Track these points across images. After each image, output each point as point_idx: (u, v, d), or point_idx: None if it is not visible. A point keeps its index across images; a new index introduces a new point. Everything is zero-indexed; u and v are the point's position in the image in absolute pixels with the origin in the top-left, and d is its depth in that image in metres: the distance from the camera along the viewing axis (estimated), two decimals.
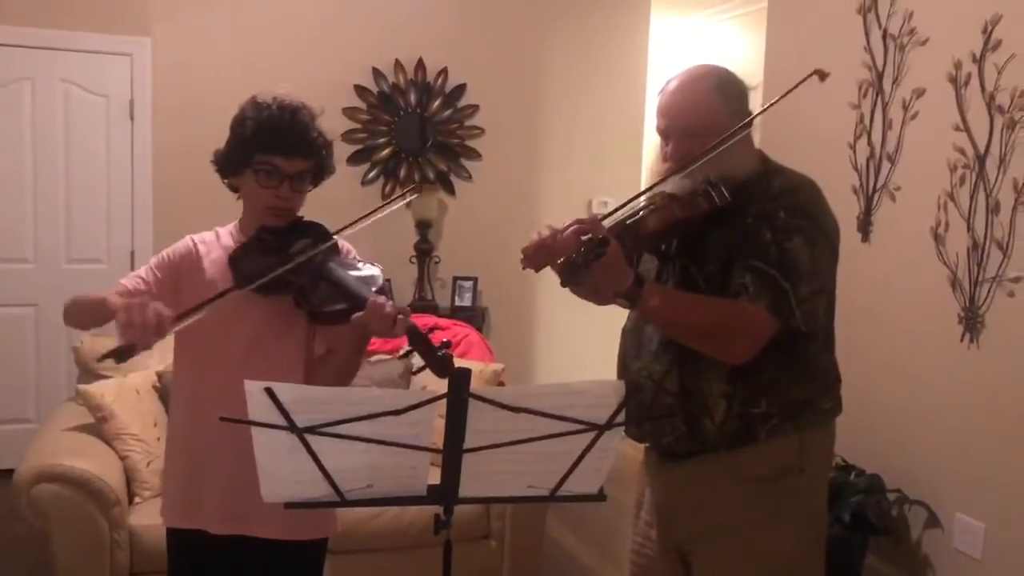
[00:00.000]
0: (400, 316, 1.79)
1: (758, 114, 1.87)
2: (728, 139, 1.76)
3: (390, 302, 1.81)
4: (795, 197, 1.80)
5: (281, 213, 1.96)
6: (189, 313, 1.77)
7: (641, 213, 1.83)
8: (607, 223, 1.81)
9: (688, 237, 1.83)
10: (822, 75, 1.85)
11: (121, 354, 1.70)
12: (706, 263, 1.82)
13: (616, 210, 1.91)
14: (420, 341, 1.79)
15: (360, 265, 1.99)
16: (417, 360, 1.81)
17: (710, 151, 1.75)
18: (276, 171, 1.90)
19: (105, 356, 1.72)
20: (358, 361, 2.02)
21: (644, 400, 1.87)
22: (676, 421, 1.84)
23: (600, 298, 1.79)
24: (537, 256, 1.79)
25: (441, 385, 1.41)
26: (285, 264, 1.85)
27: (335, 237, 1.97)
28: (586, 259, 1.60)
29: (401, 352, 1.89)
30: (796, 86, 1.88)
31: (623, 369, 1.96)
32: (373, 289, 1.88)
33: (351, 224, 1.97)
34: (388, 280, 4.84)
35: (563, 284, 1.65)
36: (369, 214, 1.98)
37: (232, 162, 1.95)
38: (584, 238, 1.63)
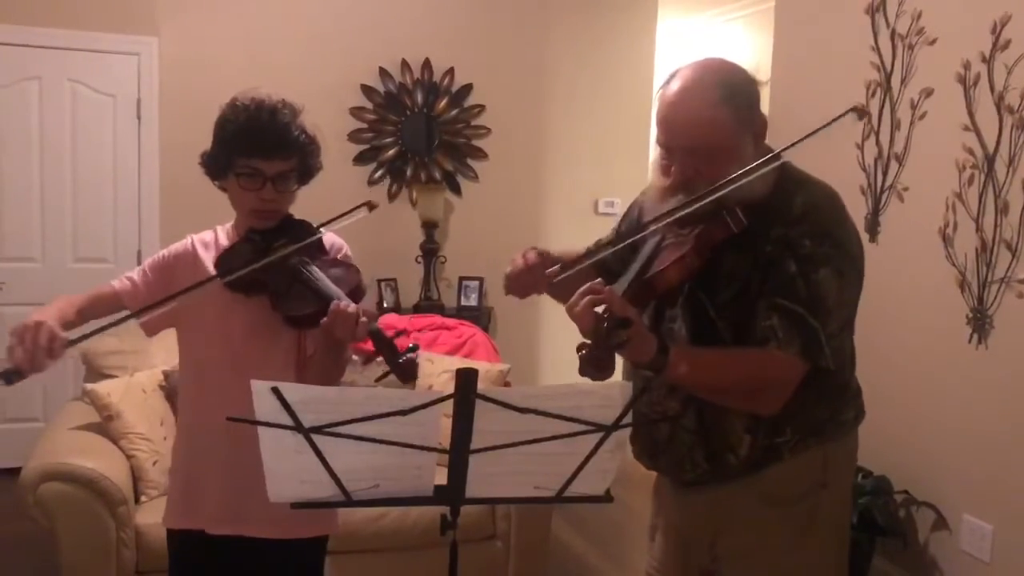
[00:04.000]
0: (362, 320, 1.74)
1: (785, 148, 1.69)
2: (747, 174, 1.61)
3: (353, 305, 1.77)
4: (819, 218, 1.65)
5: (266, 215, 1.93)
6: (137, 314, 1.80)
7: (655, 266, 1.67)
8: (596, 256, 1.70)
9: None
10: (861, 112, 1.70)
11: (7, 376, 1.64)
12: (718, 292, 1.68)
13: (611, 243, 1.80)
14: (384, 345, 1.74)
15: (341, 267, 1.94)
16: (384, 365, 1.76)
17: (724, 186, 1.60)
18: (257, 173, 1.87)
19: None
20: (337, 363, 1.96)
21: (659, 437, 1.79)
22: (697, 458, 1.75)
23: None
24: (521, 285, 1.76)
25: (448, 385, 1.40)
26: (258, 263, 1.83)
27: (320, 233, 1.93)
28: (609, 347, 1.46)
29: (366, 357, 1.84)
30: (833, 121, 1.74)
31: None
32: (345, 291, 1.84)
33: (330, 221, 1.91)
34: (394, 279, 4.87)
35: (581, 374, 1.49)
36: (347, 213, 1.91)
37: (216, 166, 1.93)
38: (604, 318, 1.48)
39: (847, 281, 1.66)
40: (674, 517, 1.91)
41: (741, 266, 1.67)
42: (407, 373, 1.74)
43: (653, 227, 1.70)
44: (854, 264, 1.69)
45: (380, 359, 1.77)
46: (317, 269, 1.89)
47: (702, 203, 1.61)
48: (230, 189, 1.94)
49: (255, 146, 1.86)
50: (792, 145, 1.68)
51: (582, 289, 1.56)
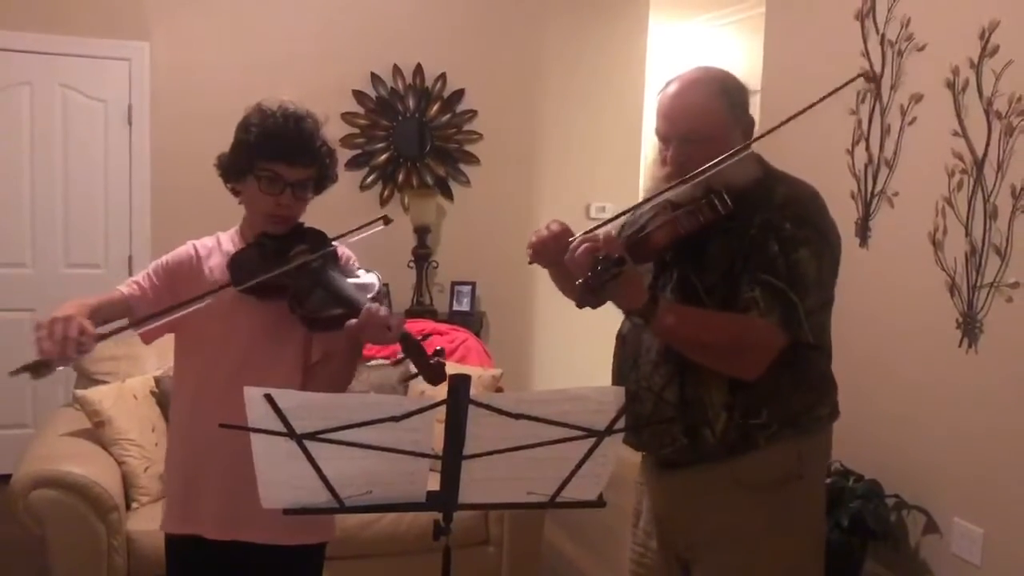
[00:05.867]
0: (394, 323, 1.79)
1: (766, 133, 1.82)
2: (735, 154, 1.75)
3: (384, 309, 1.81)
4: (800, 207, 1.79)
5: (282, 220, 1.96)
6: (157, 316, 1.80)
7: (648, 228, 1.82)
8: (612, 229, 1.82)
9: (688, 245, 1.81)
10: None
11: (36, 368, 1.65)
12: (707, 272, 1.80)
13: (616, 217, 1.92)
14: (414, 349, 1.79)
15: (359, 272, 1.99)
16: (411, 367, 1.81)
17: (714, 165, 1.73)
18: (278, 179, 1.91)
19: (19, 370, 1.68)
20: (352, 368, 2.01)
21: (643, 411, 1.85)
22: (676, 432, 1.83)
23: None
24: (546, 253, 1.84)
25: (440, 391, 1.41)
26: (282, 268, 1.86)
27: (334, 244, 1.97)
28: (602, 279, 1.58)
29: (395, 359, 1.89)
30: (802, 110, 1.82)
31: (619, 378, 1.94)
32: (369, 296, 1.88)
33: (347, 233, 1.96)
34: (386, 285, 4.86)
35: (579, 305, 1.63)
36: (364, 226, 1.97)
37: (235, 167, 1.95)
38: (599, 257, 1.61)
39: (825, 263, 1.78)
40: (656, 500, 1.98)
41: (728, 249, 1.78)
42: (437, 375, 1.77)
43: (649, 203, 1.86)
44: (831, 248, 1.82)
45: (407, 361, 1.82)
46: (339, 274, 1.93)
47: (693, 180, 1.75)
48: (247, 192, 1.96)
49: (280, 151, 1.90)
50: (780, 125, 1.80)
51: (579, 238, 1.72)
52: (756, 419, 1.79)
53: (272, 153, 1.90)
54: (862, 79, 1.62)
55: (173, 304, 1.85)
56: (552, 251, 1.84)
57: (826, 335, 1.85)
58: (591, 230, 1.87)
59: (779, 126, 1.79)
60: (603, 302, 1.63)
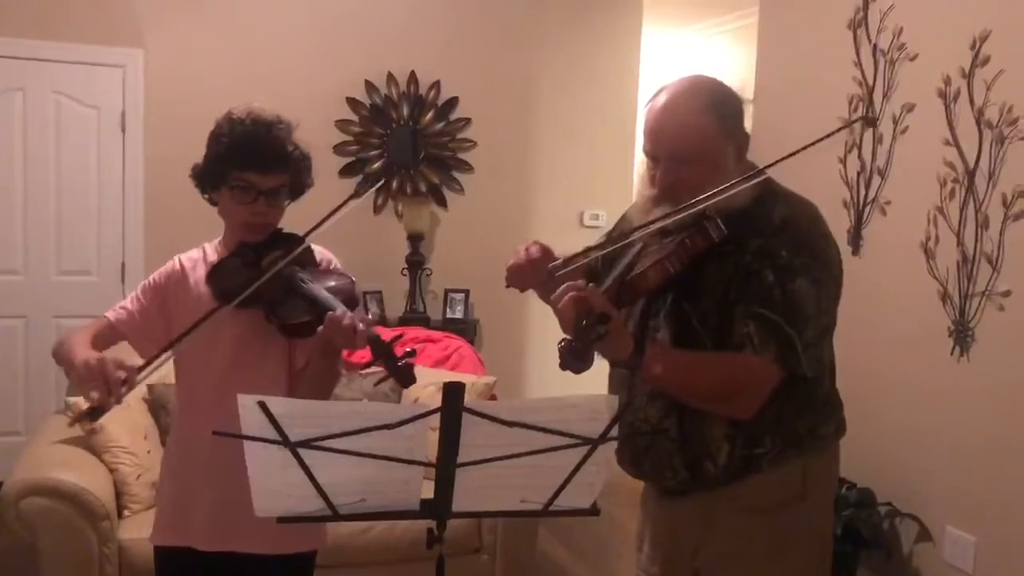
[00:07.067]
0: (361, 327, 1.75)
1: (771, 165, 1.71)
2: (739, 183, 1.64)
3: (350, 313, 1.78)
4: (798, 231, 1.69)
5: (257, 229, 1.94)
6: (166, 349, 1.78)
7: (636, 268, 1.70)
8: (593, 255, 1.75)
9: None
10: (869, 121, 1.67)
11: (94, 414, 1.70)
12: (700, 300, 1.71)
13: (602, 248, 1.84)
14: (383, 351, 1.75)
15: (335, 276, 1.96)
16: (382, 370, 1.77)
17: (713, 195, 1.63)
18: (251, 187, 1.89)
19: (78, 419, 1.74)
20: (331, 375, 1.96)
21: (640, 445, 1.80)
22: (677, 464, 1.77)
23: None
24: (523, 278, 1.79)
25: (434, 398, 1.41)
26: (257, 277, 1.83)
27: (307, 242, 1.93)
28: (587, 339, 1.51)
29: (364, 363, 1.85)
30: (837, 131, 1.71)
31: None
32: (340, 300, 1.85)
33: (319, 224, 1.89)
34: (379, 292, 4.87)
35: (562, 368, 1.53)
36: (335, 211, 1.89)
37: (208, 178, 1.94)
38: (583, 313, 1.53)
39: (824, 291, 1.69)
40: (658, 526, 1.94)
41: (722, 276, 1.69)
42: (406, 377, 1.75)
43: (638, 234, 1.74)
44: (831, 274, 1.72)
45: (379, 365, 1.77)
46: (311, 279, 1.90)
47: (683, 214, 1.65)
48: (222, 202, 1.95)
49: (251, 160, 1.87)
50: (778, 161, 1.71)
51: (565, 285, 1.61)
52: (759, 448, 1.73)
53: (243, 162, 1.87)
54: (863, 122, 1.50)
55: (182, 332, 1.82)
56: (529, 276, 1.79)
57: (825, 365, 1.77)
58: (574, 255, 1.79)
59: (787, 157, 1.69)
60: (588, 366, 1.54)
